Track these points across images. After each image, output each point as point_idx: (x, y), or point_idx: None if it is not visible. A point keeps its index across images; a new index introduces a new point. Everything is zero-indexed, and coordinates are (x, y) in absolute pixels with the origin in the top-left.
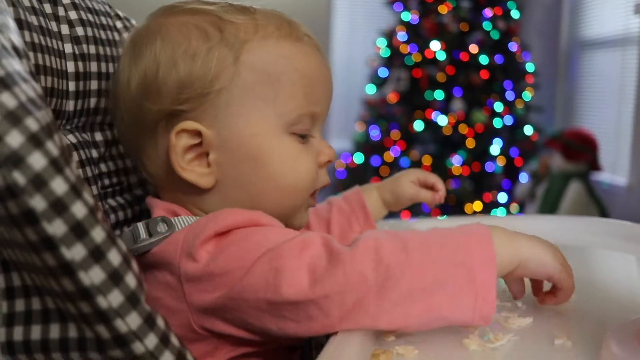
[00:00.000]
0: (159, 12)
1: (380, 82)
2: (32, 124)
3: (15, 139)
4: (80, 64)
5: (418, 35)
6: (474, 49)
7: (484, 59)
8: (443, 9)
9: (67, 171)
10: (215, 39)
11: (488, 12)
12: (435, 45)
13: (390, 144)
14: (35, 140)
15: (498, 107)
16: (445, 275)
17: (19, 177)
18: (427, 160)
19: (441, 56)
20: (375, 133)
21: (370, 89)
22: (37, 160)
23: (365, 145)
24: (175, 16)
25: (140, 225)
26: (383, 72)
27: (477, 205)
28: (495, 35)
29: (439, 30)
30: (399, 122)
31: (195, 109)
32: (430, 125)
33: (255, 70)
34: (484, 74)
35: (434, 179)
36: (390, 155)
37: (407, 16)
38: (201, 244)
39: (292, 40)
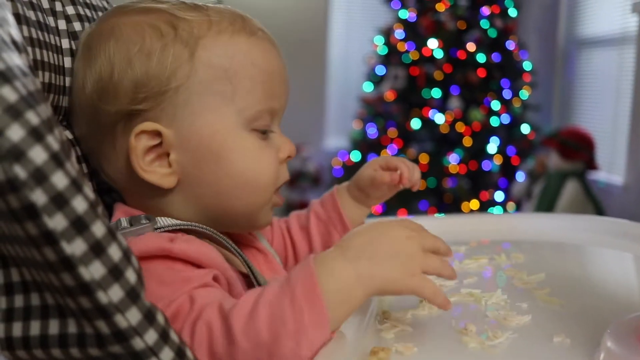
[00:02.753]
0: (111, 13)
1: (377, 80)
2: (32, 117)
3: (16, 132)
4: None
5: (415, 33)
6: (471, 47)
7: (481, 57)
8: (441, 7)
9: (68, 165)
10: (170, 36)
11: (485, 10)
12: (432, 43)
13: (387, 142)
14: (36, 134)
15: (495, 105)
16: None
17: (20, 171)
18: (424, 158)
19: (438, 54)
20: (372, 131)
21: (368, 87)
22: (38, 154)
23: (362, 143)
24: (127, 16)
25: (123, 219)
26: (380, 70)
27: (474, 204)
28: (492, 34)
29: (437, 28)
30: (396, 120)
31: (154, 109)
32: (428, 123)
33: (212, 66)
34: (481, 72)
35: (397, 161)
36: (387, 153)
37: (404, 14)
38: None
39: (246, 34)
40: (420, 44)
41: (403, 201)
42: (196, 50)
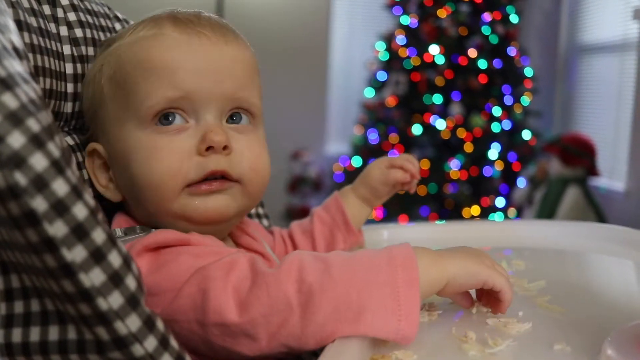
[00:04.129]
0: None
1: (379, 86)
2: (33, 124)
3: (16, 139)
4: (78, 65)
5: (417, 39)
6: (472, 53)
7: (482, 63)
8: (442, 13)
9: (68, 172)
10: (98, 66)
11: (487, 17)
12: (434, 49)
13: (389, 147)
14: (36, 141)
15: (496, 111)
16: (369, 295)
17: (21, 178)
18: (425, 164)
19: (440, 60)
20: (373, 136)
21: (369, 93)
22: (38, 161)
23: (364, 149)
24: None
25: (118, 230)
26: (382, 76)
27: (475, 210)
28: (494, 40)
29: (438, 34)
30: (397, 126)
31: (95, 131)
32: (429, 129)
33: (113, 80)
34: (483, 78)
35: (401, 161)
36: None
37: (406, 20)
38: (134, 257)
39: (148, 31)
40: (422, 49)
41: (404, 207)
42: (102, 70)
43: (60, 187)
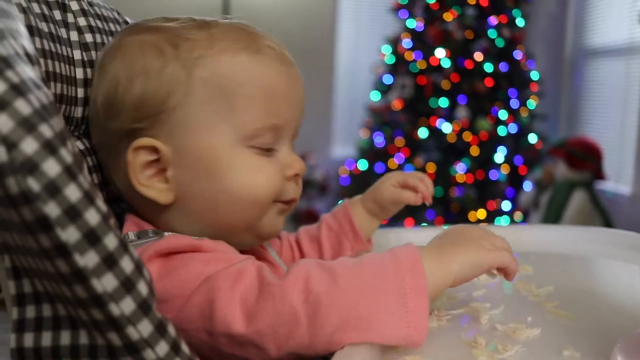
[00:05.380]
0: (125, 31)
1: (384, 89)
2: (46, 130)
3: (29, 145)
4: (88, 70)
5: (423, 43)
6: (478, 56)
7: (488, 67)
8: (448, 17)
9: (81, 178)
10: (169, 56)
11: (493, 20)
12: (440, 53)
13: (395, 151)
14: (49, 147)
15: (502, 115)
16: (376, 304)
17: (34, 184)
18: (431, 167)
19: (446, 63)
20: (379, 140)
21: (375, 96)
22: (51, 167)
23: (370, 152)
24: (136, 34)
25: (131, 233)
26: (388, 79)
27: (481, 214)
28: (500, 43)
29: (444, 37)
30: (403, 129)
31: (153, 126)
32: (435, 132)
33: (209, 85)
34: (489, 82)
35: (414, 180)
36: (394, 162)
37: (412, 23)
38: (145, 262)
39: (251, 52)
40: (428, 53)
41: (410, 210)
42: (194, 70)
43: (72, 192)
